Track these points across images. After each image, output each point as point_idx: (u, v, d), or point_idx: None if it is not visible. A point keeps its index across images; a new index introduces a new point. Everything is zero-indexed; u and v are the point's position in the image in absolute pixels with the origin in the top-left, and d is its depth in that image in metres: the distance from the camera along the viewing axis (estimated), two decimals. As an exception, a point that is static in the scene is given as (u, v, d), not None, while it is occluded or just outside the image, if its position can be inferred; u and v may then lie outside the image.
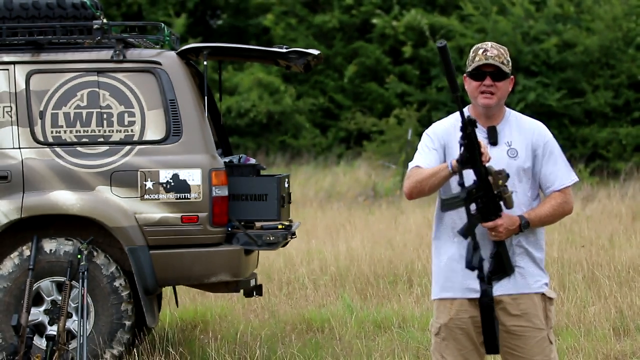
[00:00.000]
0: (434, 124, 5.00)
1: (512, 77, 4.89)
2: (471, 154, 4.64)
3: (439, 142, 4.88)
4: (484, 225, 4.76)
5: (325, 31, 24.51)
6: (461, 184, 4.71)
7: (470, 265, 4.73)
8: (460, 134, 4.66)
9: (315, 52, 7.77)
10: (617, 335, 8.08)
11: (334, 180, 19.36)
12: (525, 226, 4.80)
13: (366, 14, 24.41)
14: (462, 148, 4.64)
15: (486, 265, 4.80)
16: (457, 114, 4.94)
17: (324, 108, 24.08)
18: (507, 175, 4.73)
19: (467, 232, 4.75)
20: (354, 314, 9.01)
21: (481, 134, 4.85)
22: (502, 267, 4.81)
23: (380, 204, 16.67)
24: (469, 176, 4.72)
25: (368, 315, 9.03)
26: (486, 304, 4.76)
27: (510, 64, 4.86)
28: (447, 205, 4.80)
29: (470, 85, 4.86)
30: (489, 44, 4.87)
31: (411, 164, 4.89)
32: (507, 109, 4.95)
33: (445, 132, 4.90)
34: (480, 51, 4.83)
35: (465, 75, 4.88)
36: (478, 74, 4.82)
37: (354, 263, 11.13)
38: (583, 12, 22.70)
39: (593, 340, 7.79)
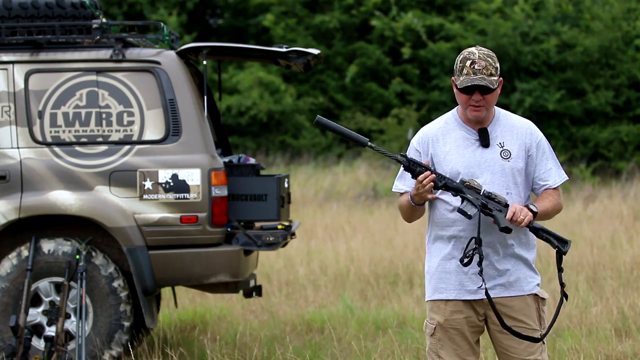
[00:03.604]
0: (421, 130, 5.00)
1: (500, 79, 4.84)
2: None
3: (424, 153, 4.89)
4: (506, 220, 4.71)
5: (325, 31, 24.46)
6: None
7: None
8: (449, 135, 4.81)
9: (315, 51, 7.74)
10: (619, 336, 8.04)
11: (334, 180, 19.31)
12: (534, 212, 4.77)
13: (366, 14, 24.37)
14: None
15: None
16: (446, 115, 4.99)
17: (324, 108, 24.03)
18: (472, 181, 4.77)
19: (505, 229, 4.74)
20: (354, 315, 8.98)
21: (472, 136, 4.86)
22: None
23: (380, 204, 16.63)
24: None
25: (368, 316, 9.00)
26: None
27: (498, 70, 4.81)
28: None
29: (459, 96, 4.83)
30: (476, 52, 4.78)
31: (394, 188, 4.98)
32: (496, 108, 4.93)
33: (431, 140, 4.91)
34: (468, 63, 4.76)
35: (453, 79, 4.83)
36: (466, 88, 4.78)
37: (354, 263, 11.10)
38: (582, 12, 22.66)
39: (594, 341, 7.76)
